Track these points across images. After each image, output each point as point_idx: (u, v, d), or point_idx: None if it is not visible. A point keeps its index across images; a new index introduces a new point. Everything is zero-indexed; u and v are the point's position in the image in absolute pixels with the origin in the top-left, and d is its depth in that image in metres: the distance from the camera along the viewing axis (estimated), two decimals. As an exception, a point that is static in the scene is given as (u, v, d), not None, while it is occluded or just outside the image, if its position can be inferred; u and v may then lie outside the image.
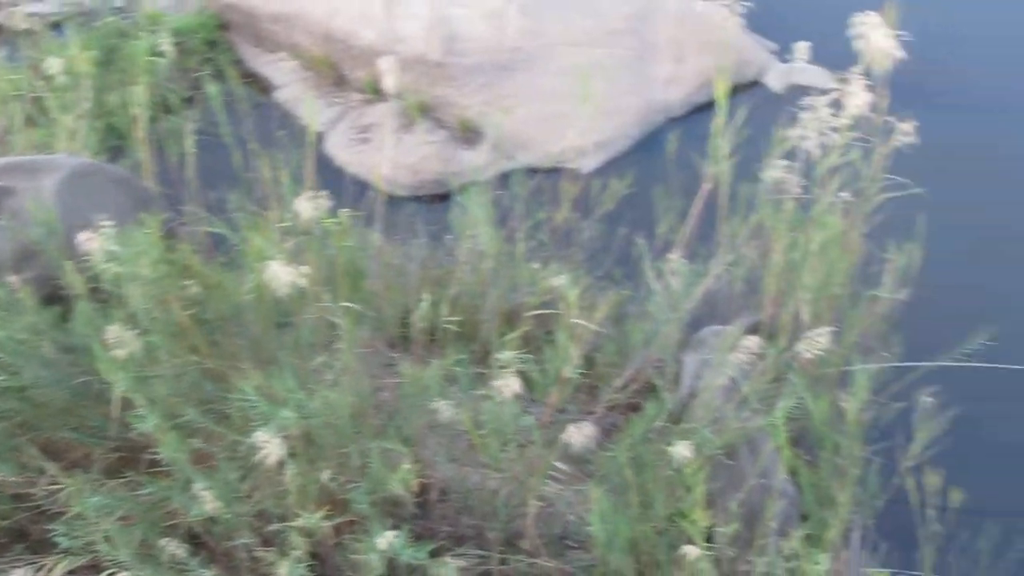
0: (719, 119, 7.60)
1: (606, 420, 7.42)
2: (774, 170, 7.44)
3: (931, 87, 11.08)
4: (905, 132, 7.30)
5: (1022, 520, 7.65)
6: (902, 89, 7.37)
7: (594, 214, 8.18)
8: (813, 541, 6.58)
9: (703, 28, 11.37)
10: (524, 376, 6.60)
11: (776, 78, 11.45)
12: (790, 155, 7.43)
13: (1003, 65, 11.91)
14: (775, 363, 7.15)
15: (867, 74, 7.05)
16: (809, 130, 7.20)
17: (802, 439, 7.52)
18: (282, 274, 5.77)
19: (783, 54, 11.74)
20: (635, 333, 7.62)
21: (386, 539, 5.66)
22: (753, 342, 6.75)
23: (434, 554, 6.02)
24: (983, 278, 9.69)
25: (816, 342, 6.69)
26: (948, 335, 7.71)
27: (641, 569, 6.46)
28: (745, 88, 11.22)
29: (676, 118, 11.04)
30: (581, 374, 6.95)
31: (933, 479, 6.56)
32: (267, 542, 6.13)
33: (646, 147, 10.72)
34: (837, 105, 7.17)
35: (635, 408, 7.27)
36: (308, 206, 6.31)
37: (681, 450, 6.10)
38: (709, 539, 6.35)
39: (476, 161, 9.81)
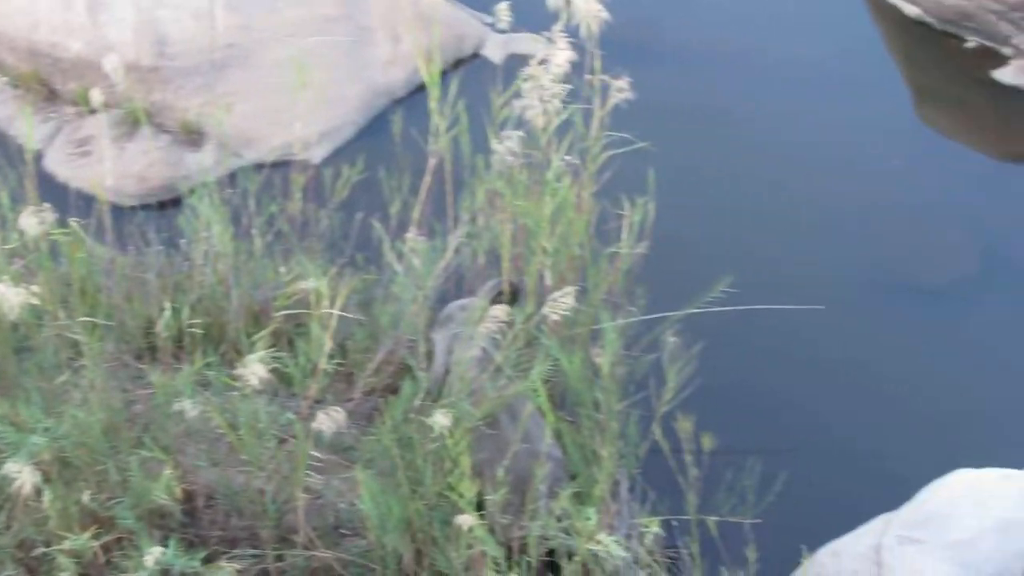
0: (434, 97, 7.69)
1: (366, 405, 7.43)
2: (499, 140, 7.56)
3: (646, 43, 11.37)
4: (621, 89, 7.48)
5: (777, 455, 7.98)
6: (617, 47, 7.56)
7: (329, 203, 8.16)
8: (582, 499, 6.73)
9: (415, 6, 11.40)
10: (279, 372, 6.58)
11: (494, 49, 11.55)
12: (514, 123, 7.54)
13: (714, 16, 12.24)
14: (525, 329, 7.26)
15: (579, 35, 7.21)
16: (527, 97, 7.32)
17: (561, 400, 7.67)
18: (11, 296, 5.61)
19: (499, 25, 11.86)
20: (383, 316, 7.64)
21: (154, 554, 5.57)
22: (500, 310, 6.84)
23: (208, 560, 5.96)
24: (715, 227, 9.98)
25: (562, 303, 6.81)
26: (689, 285, 7.95)
27: (418, 547, 6.50)
28: (465, 62, 11.30)
29: (400, 99, 11.05)
30: (336, 363, 6.95)
31: (685, 425, 6.75)
32: (33, 571, 5.98)
33: (373, 131, 10.71)
34: (551, 69, 7.32)
35: (394, 390, 7.29)
36: (33, 222, 6.14)
37: (440, 419, 6.16)
38: (481, 509, 6.44)
39: (203, 162, 9.66)
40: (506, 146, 7.48)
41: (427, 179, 7.84)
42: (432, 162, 7.78)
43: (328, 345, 6.50)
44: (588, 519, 6.30)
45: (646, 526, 6.69)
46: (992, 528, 6.97)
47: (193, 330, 7.09)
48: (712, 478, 7.45)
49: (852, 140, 10.90)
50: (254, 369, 5.88)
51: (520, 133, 7.44)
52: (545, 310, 6.85)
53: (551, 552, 6.58)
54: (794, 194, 10.36)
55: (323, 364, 6.55)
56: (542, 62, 7.21)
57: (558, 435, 6.99)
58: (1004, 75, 11.55)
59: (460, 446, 6.19)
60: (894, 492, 7.42)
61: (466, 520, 6.04)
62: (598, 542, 6.20)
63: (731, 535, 7.02)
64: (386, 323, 7.59)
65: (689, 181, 9.98)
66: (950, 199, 10.45)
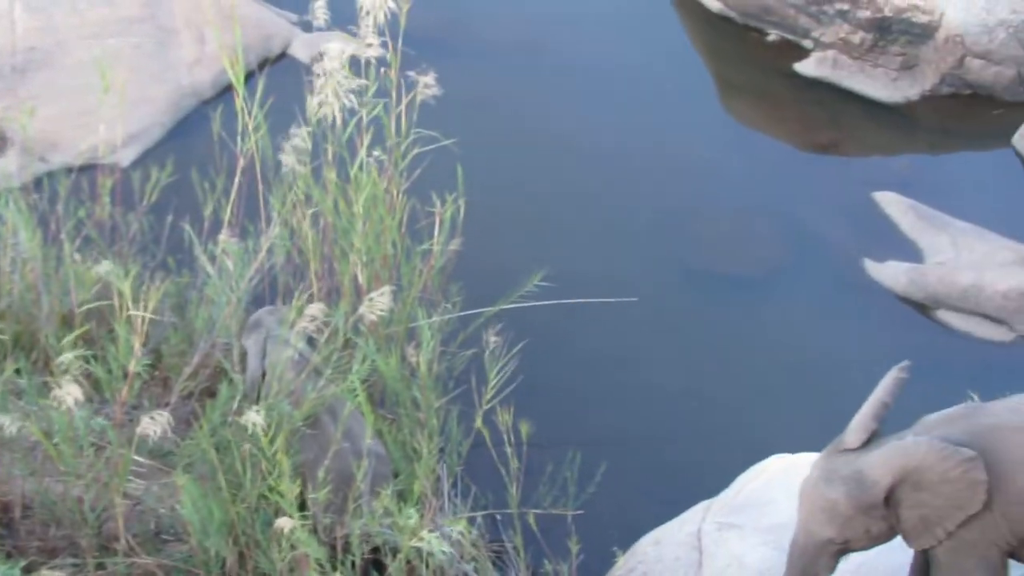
0: (239, 98, 7.63)
1: (183, 409, 7.32)
2: (301, 140, 7.54)
3: (455, 40, 11.40)
4: (428, 85, 7.51)
5: (597, 447, 8.07)
6: (426, 44, 7.58)
7: (139, 206, 8.01)
8: (405, 496, 6.73)
9: (219, 7, 11.25)
10: (91, 376, 6.45)
11: (301, 48, 11.48)
12: (319, 122, 7.52)
13: (522, 13, 12.28)
14: (341, 329, 7.24)
15: (388, 33, 7.21)
16: (329, 95, 7.30)
17: (381, 399, 7.66)
18: None
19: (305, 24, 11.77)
20: (198, 319, 7.55)
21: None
22: (315, 311, 6.81)
23: (28, 570, 5.84)
24: (528, 224, 10.06)
25: (377, 303, 6.82)
26: (504, 281, 8.01)
27: (241, 550, 6.44)
28: (273, 61, 11.19)
29: (208, 100, 10.89)
30: (150, 367, 6.84)
31: (505, 418, 6.79)
32: None
33: (181, 133, 10.54)
34: (356, 66, 7.32)
35: (212, 394, 7.21)
36: None
37: (253, 417, 6.11)
38: (304, 509, 6.40)
39: (6, 168, 9.40)
40: (298, 145, 7.47)
41: (237, 180, 7.76)
42: (241, 163, 7.71)
43: (137, 348, 6.40)
44: (410, 518, 6.31)
45: (468, 522, 6.76)
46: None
47: (2, 337, 6.92)
48: (534, 472, 7.52)
49: (660, 134, 11.07)
50: (70, 389, 5.79)
51: (325, 131, 7.43)
52: (362, 309, 6.84)
53: (376, 550, 6.56)
54: (604, 189, 10.49)
55: (133, 367, 6.44)
56: (338, 58, 7.21)
57: (378, 432, 6.97)
58: (805, 67, 11.87)
59: (279, 448, 6.15)
60: (712, 479, 7.56)
61: (286, 523, 6.01)
62: (420, 539, 6.21)
63: (555, 527, 7.09)
64: (200, 326, 7.50)
65: (499, 178, 10.02)
66: (758, 190, 10.69)
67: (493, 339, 7.06)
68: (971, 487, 5.38)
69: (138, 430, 6.05)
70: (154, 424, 6.00)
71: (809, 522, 5.55)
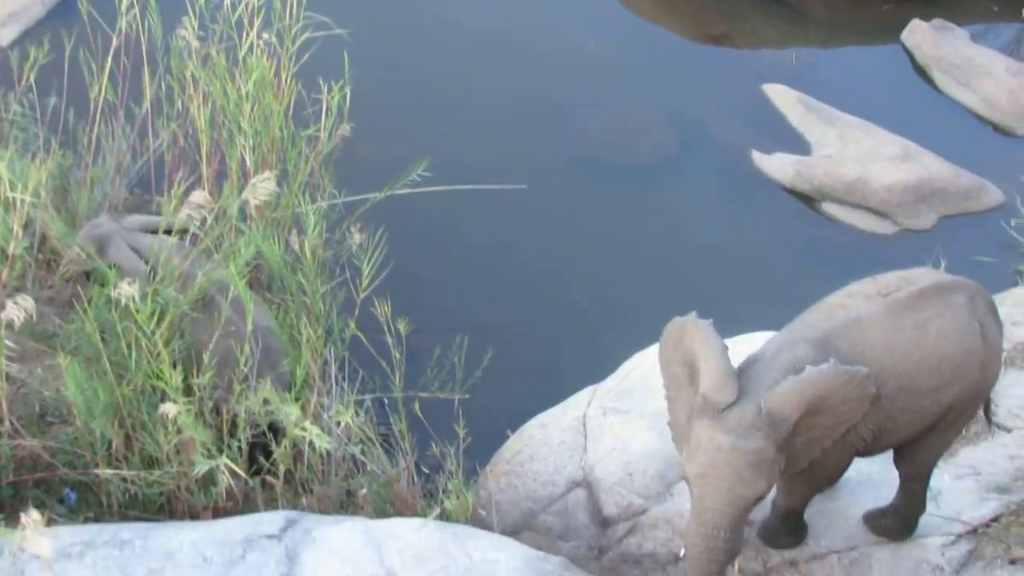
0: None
1: (67, 292, 7.24)
2: (189, 21, 7.42)
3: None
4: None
5: (485, 332, 8.11)
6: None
7: (19, 87, 7.84)
8: (292, 380, 6.73)
9: None
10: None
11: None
12: (207, 1, 7.41)
13: None
14: (227, 213, 7.18)
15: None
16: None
17: (268, 285, 7.63)
18: None
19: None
20: (81, 202, 7.44)
21: None
22: (199, 197, 6.73)
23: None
24: (416, 112, 9.99)
25: (262, 188, 6.76)
26: (391, 168, 7.96)
27: (127, 432, 6.41)
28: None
29: (85, -22, 10.67)
30: (29, 250, 6.75)
31: (384, 308, 6.79)
32: None
33: (63, 11, 10.28)
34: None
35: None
36: None
37: (126, 289, 6.06)
38: (190, 393, 6.38)
39: None
40: (186, 26, 7.36)
41: (122, 61, 7.62)
42: (115, 43, 7.57)
43: (17, 230, 6.30)
44: (291, 413, 6.31)
45: (356, 406, 6.78)
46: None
47: None
48: (422, 357, 7.56)
49: (552, 25, 11.03)
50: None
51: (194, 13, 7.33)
52: (246, 194, 6.78)
53: (263, 433, 6.56)
54: (495, 79, 10.46)
55: (14, 249, 6.35)
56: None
57: (266, 319, 6.95)
58: (700, -41, 11.86)
59: (162, 333, 6.12)
60: (598, 365, 7.64)
61: (170, 408, 5.99)
62: (303, 430, 6.22)
63: (442, 412, 7.13)
64: (83, 209, 7.38)
65: (389, 66, 9.95)
66: (649, 81, 10.72)
67: (357, 236, 7.03)
68: (862, 402, 5.48)
69: (2, 314, 5.96)
70: (17, 309, 5.91)
71: (735, 489, 5.30)
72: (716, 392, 5.29)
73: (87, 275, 6.85)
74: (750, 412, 5.26)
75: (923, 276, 5.95)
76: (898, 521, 6.31)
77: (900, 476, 6.10)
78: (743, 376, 5.44)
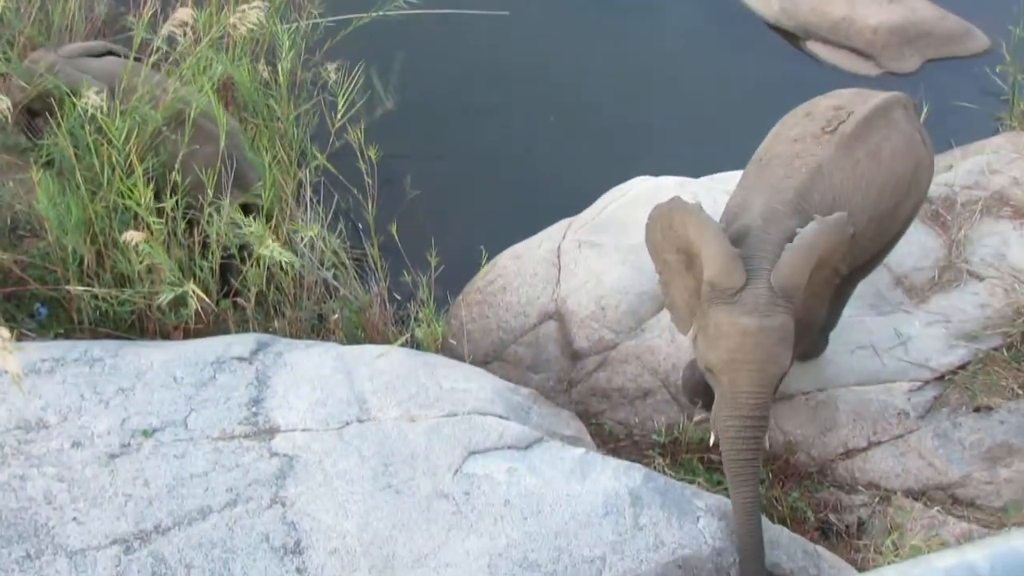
0: None
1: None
2: None
3: None
4: None
5: (462, 161, 8.07)
6: None
7: None
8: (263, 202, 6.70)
9: None
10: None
11: None
12: None
13: None
14: (207, 33, 7.07)
15: None
16: None
17: (244, 105, 7.54)
18: None
19: None
20: (56, 13, 7.30)
21: None
22: (184, 14, 6.62)
23: None
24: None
25: (249, 14, 6.67)
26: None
27: (99, 249, 6.38)
28: None
29: None
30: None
31: (356, 135, 6.73)
32: None
33: None
34: None
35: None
36: None
37: (93, 99, 5.99)
38: (162, 215, 6.34)
39: None
40: None
41: None
42: None
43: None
44: (252, 226, 6.29)
45: (329, 230, 6.76)
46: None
47: None
48: (397, 183, 7.51)
49: None
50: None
51: None
52: (233, 19, 6.68)
53: (232, 256, 6.55)
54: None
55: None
56: None
57: (239, 139, 6.88)
58: None
59: (133, 150, 6.07)
60: (575, 198, 7.62)
61: (134, 236, 5.94)
62: (267, 247, 6.19)
63: (417, 240, 7.10)
64: (58, 21, 7.25)
65: None
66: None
67: (332, 73, 6.95)
68: (846, 245, 5.54)
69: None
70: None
71: (767, 368, 5.31)
72: (726, 278, 5.28)
73: (31, 112, 6.75)
74: (764, 290, 5.28)
75: (851, 99, 6.04)
76: (821, 337, 6.47)
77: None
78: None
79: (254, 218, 6.38)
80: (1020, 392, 6.61)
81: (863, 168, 5.71)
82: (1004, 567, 2.44)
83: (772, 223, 5.48)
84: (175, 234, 6.36)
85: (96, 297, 6.25)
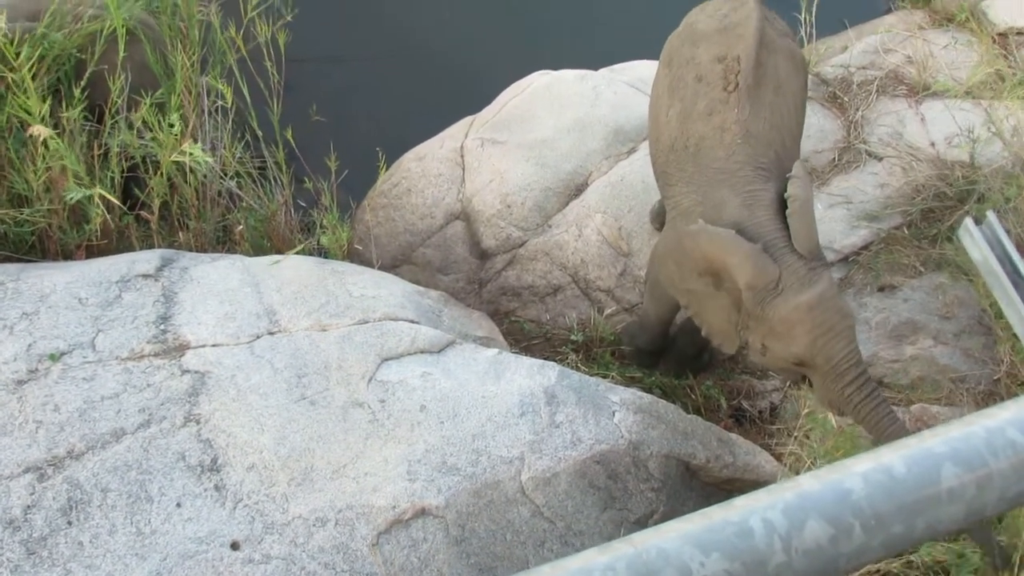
0: None
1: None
2: None
3: None
4: None
5: (360, 62, 7.97)
6: None
7: None
8: (164, 110, 6.59)
9: None
10: None
11: None
12: None
13: None
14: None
15: None
16: None
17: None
18: None
19: None
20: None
21: None
22: None
23: None
24: None
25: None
26: None
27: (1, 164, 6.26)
28: None
29: None
30: None
31: (264, 29, 6.64)
32: None
33: None
34: None
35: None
36: None
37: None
38: (59, 127, 6.22)
39: None
40: None
41: None
42: None
43: None
44: (172, 125, 6.20)
45: (231, 138, 6.68)
46: (569, 127, 7.26)
47: None
48: (298, 88, 7.42)
49: None
50: None
51: None
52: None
53: (135, 167, 6.46)
54: None
55: None
56: None
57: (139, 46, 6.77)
58: None
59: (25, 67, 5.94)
60: (475, 96, 7.58)
61: (40, 130, 5.83)
62: (182, 153, 6.11)
63: (319, 145, 7.04)
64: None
65: None
66: None
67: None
68: None
69: None
70: None
71: (847, 322, 5.30)
72: (762, 276, 5.27)
73: None
74: (798, 264, 5.32)
75: (724, 40, 5.90)
76: None
77: None
78: None
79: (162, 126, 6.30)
80: (922, 270, 6.73)
81: (777, 105, 5.74)
82: (920, 468, 2.50)
83: (756, 206, 5.50)
84: (72, 147, 6.25)
85: (-7, 219, 6.15)
